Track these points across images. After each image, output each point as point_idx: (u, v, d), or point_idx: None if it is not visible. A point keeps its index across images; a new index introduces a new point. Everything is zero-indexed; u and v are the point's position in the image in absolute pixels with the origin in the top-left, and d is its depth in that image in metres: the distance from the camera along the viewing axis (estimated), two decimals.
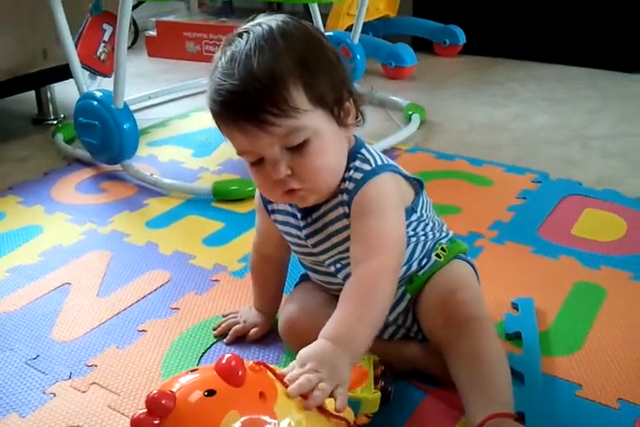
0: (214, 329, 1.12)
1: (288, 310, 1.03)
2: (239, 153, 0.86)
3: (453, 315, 0.92)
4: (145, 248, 1.39)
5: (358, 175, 0.89)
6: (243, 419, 0.66)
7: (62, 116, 2.20)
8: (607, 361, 1.03)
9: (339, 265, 0.96)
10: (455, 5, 2.86)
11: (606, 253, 1.32)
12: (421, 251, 0.98)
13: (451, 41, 2.82)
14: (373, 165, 0.90)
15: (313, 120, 0.82)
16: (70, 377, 1.03)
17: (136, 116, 1.70)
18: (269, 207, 1.00)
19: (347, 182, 0.89)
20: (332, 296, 1.01)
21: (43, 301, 1.23)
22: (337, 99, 0.85)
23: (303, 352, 0.78)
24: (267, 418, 0.68)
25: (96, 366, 1.05)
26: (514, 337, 1.07)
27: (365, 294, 0.83)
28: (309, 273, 1.05)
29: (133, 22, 3.01)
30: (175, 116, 2.18)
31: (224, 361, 0.69)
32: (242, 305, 1.18)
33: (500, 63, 2.74)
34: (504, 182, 1.64)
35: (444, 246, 1.01)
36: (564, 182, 1.63)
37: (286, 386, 0.73)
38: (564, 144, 1.90)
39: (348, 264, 0.92)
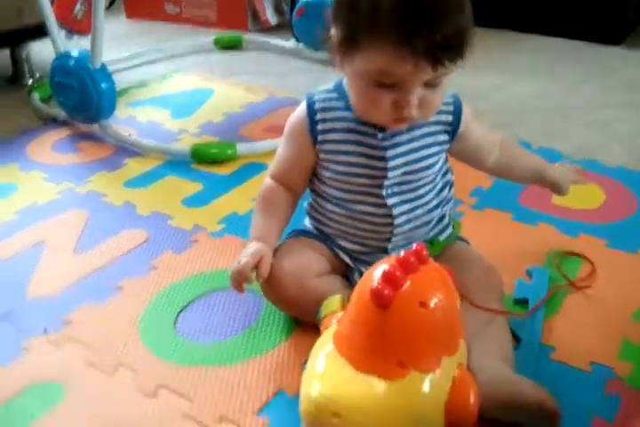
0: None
1: (280, 265, 0.99)
2: (380, 71, 0.85)
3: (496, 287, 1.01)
4: (123, 208, 1.37)
5: (449, 98, 1.00)
6: None
7: (38, 75, 2.15)
8: (581, 325, 1.04)
9: (390, 191, 0.99)
10: None
11: (585, 222, 1.32)
12: (449, 204, 1.08)
13: None
14: (450, 92, 1.01)
15: None
16: (45, 332, 1.02)
17: (114, 77, 1.67)
18: (320, 128, 0.98)
19: (442, 106, 0.96)
20: (319, 255, 1.03)
21: (18, 258, 1.21)
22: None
23: None
24: None
25: (71, 322, 1.05)
26: (521, 303, 1.08)
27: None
28: (338, 210, 1.02)
29: None
30: (155, 77, 2.14)
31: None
32: (222, 265, 1.17)
33: (482, 33, 2.67)
34: None
35: (455, 221, 1.10)
36: (545, 151, 1.62)
37: None
38: (544, 114, 1.90)
39: (400, 193, 0.99)
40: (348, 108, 0.97)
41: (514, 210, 1.36)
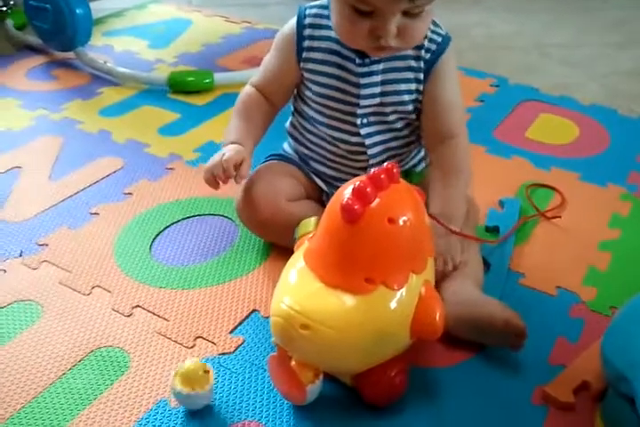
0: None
1: (256, 189, 0.99)
2: None
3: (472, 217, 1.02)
4: (98, 136, 1.37)
5: (437, 38, 0.95)
6: None
7: (12, 2, 2.09)
8: (549, 253, 1.07)
9: (365, 120, 0.98)
10: None
11: (558, 156, 1.34)
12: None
13: None
14: (444, 31, 0.96)
15: None
16: (21, 255, 1.03)
17: (90, 5, 1.63)
18: (306, 44, 0.96)
19: (426, 42, 0.94)
20: (296, 181, 1.03)
21: None
22: None
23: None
24: None
25: (47, 245, 1.05)
26: (492, 230, 1.10)
27: (454, 173, 0.96)
28: (316, 131, 1.02)
29: None
30: (132, 6, 2.09)
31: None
32: (197, 193, 1.18)
33: None
34: (463, 85, 1.55)
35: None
36: (522, 88, 1.64)
37: None
38: (524, 52, 1.90)
39: (375, 123, 0.98)
40: None
41: (488, 143, 1.37)
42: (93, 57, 1.63)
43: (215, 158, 0.95)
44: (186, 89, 1.53)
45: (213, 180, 0.95)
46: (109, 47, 1.79)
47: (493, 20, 2.14)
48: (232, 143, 0.98)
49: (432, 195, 0.94)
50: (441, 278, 0.90)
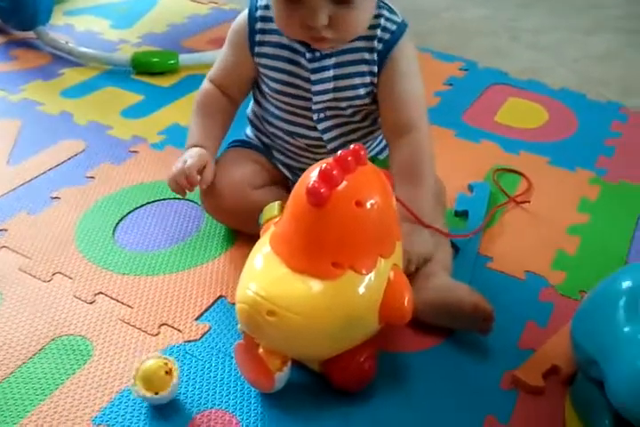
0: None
1: (220, 177, 0.96)
2: None
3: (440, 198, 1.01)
4: (59, 118, 1.33)
5: (392, 26, 0.90)
6: None
7: None
8: (518, 237, 1.06)
9: (322, 115, 0.95)
10: None
11: (527, 140, 1.33)
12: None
13: None
14: (400, 19, 0.92)
15: None
16: None
17: None
18: (258, 38, 0.92)
19: (379, 31, 0.90)
20: (260, 167, 1.01)
21: None
22: None
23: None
24: None
25: (6, 230, 1.02)
26: (461, 215, 1.10)
27: (417, 171, 0.91)
28: (275, 124, 0.99)
29: None
30: None
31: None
32: (162, 176, 1.15)
33: None
34: (432, 68, 1.62)
35: None
36: (491, 71, 1.62)
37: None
38: (494, 35, 1.89)
39: (333, 117, 0.95)
40: None
41: (457, 127, 1.36)
42: (54, 37, 1.59)
43: (178, 166, 0.93)
44: (150, 70, 1.50)
45: (179, 188, 0.93)
46: (71, 27, 1.74)
47: (464, 4, 2.12)
48: (194, 146, 0.96)
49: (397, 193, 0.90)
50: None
